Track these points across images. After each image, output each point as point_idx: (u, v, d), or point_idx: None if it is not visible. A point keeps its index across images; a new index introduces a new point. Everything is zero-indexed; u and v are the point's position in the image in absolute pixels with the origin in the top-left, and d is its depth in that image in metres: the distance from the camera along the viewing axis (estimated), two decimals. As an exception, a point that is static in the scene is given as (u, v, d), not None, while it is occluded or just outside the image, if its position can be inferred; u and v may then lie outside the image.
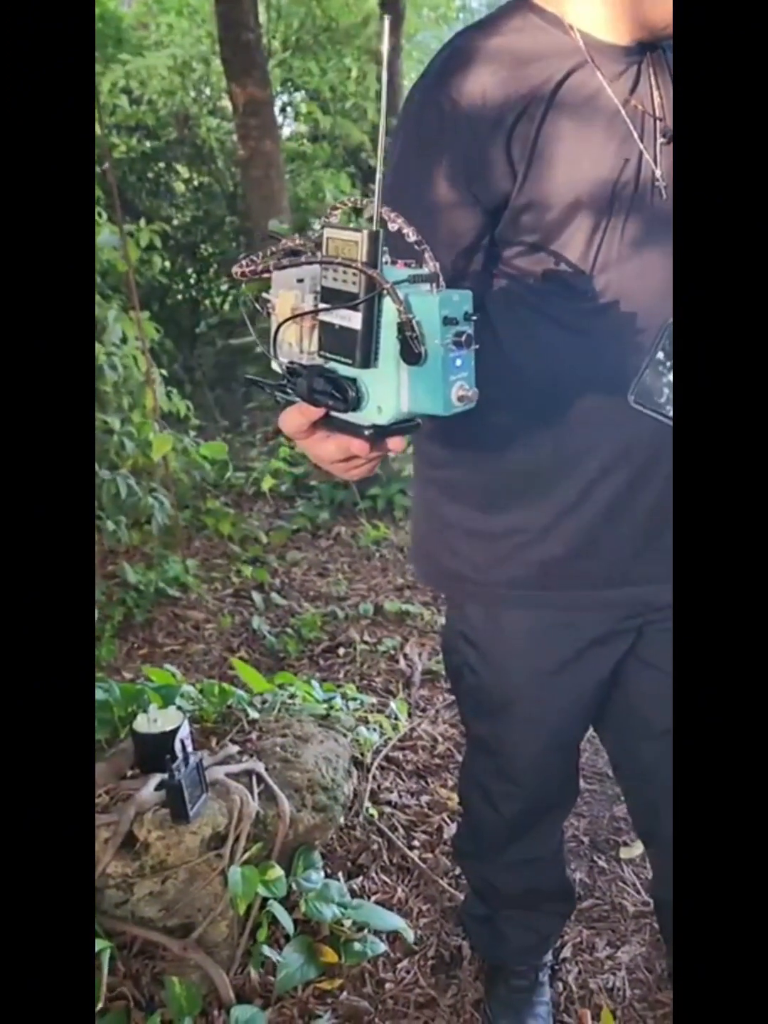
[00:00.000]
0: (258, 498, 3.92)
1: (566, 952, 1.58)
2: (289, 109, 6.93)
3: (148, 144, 5.96)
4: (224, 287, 6.13)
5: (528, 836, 1.36)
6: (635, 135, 0.93)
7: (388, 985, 1.52)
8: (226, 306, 6.04)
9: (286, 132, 6.69)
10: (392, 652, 2.62)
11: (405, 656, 2.60)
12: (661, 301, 0.94)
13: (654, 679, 1.17)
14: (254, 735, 1.78)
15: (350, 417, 0.72)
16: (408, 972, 1.55)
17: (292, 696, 2.01)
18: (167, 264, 5.69)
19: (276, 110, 5.56)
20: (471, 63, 0.92)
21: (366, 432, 0.71)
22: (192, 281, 6.18)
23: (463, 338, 0.66)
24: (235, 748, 1.67)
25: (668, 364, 0.91)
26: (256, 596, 2.99)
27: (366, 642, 2.68)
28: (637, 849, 1.80)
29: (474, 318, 0.67)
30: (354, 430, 0.72)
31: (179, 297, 6.09)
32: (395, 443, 0.73)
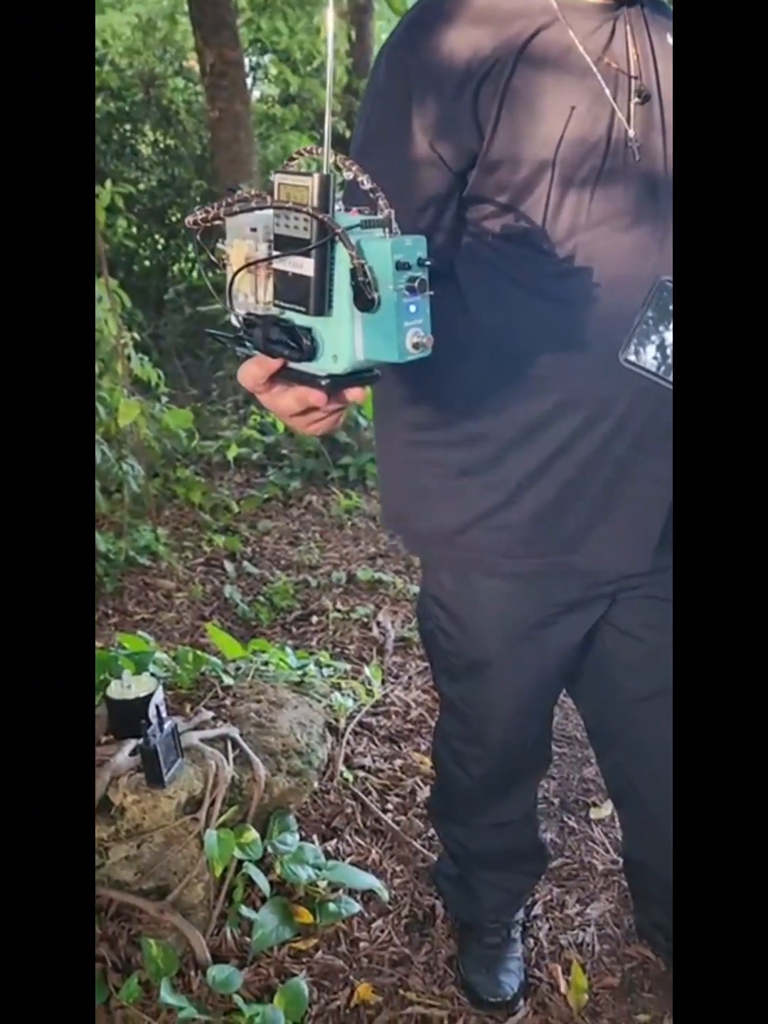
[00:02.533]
0: (229, 467, 3.90)
1: (537, 909, 1.61)
2: (258, 70, 6.80)
3: (112, 105, 5.82)
4: (192, 253, 6.03)
5: (500, 799, 1.38)
6: (608, 93, 0.92)
7: (363, 944, 1.54)
8: (194, 273, 5.95)
9: (255, 95, 6.57)
10: (365, 620, 2.63)
11: (378, 624, 2.61)
12: (635, 262, 0.94)
13: (628, 646, 1.18)
14: (228, 701, 1.78)
15: (307, 368, 0.71)
16: (382, 931, 1.57)
17: (266, 663, 2.01)
18: (134, 229, 5.59)
19: (245, 72, 5.45)
20: (438, 21, 0.91)
21: (323, 382, 0.70)
22: (160, 247, 6.08)
23: (416, 283, 0.66)
24: (210, 714, 1.68)
25: (659, 324, 0.91)
26: (228, 565, 2.98)
27: (339, 610, 2.69)
28: (606, 810, 1.83)
29: (428, 264, 0.67)
30: (311, 381, 0.71)
31: (147, 263, 5.99)
32: (354, 394, 0.72)
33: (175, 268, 6.11)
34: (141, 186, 5.77)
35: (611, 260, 0.94)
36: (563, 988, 1.46)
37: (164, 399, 3.19)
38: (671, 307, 0.94)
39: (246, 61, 6.07)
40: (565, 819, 1.83)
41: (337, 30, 6.10)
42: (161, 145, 6.10)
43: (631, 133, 0.92)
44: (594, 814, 1.84)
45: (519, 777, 1.37)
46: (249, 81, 6.24)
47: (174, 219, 6.08)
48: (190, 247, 6.01)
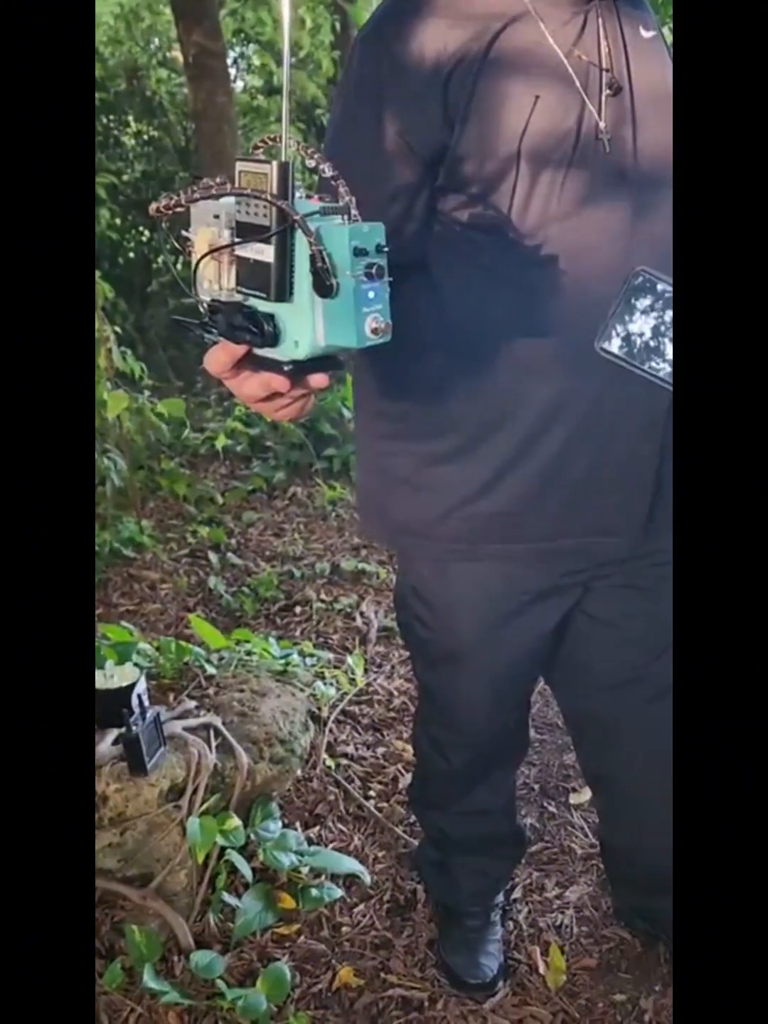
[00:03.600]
0: (213, 459, 3.90)
1: (517, 893, 1.64)
2: (242, 61, 6.78)
3: (96, 96, 5.79)
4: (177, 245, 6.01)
5: (479, 786, 1.39)
6: (578, 86, 0.93)
7: (345, 928, 1.56)
8: (179, 265, 5.93)
9: (239, 86, 6.55)
10: (348, 610, 2.65)
11: (361, 614, 2.62)
12: (608, 252, 0.95)
13: (601, 633, 1.20)
14: (211, 690, 1.80)
15: (271, 353, 0.72)
16: (364, 916, 1.59)
17: (249, 653, 2.02)
18: (118, 220, 5.56)
19: (228, 63, 5.42)
20: (411, 14, 0.92)
21: (286, 368, 0.72)
22: (144, 239, 6.05)
23: (374, 269, 0.67)
24: (193, 703, 1.69)
25: (635, 312, 0.92)
26: (212, 556, 2.98)
27: (323, 600, 2.70)
28: (585, 795, 1.86)
29: (386, 250, 0.68)
30: (275, 367, 0.72)
31: (131, 255, 5.97)
32: (317, 380, 0.73)
33: (159, 260, 6.09)
34: (125, 177, 5.75)
35: (583, 250, 0.95)
36: (542, 969, 1.49)
37: (147, 392, 3.19)
38: (647, 298, 0.95)
39: (230, 52, 6.05)
40: (545, 804, 1.86)
41: (323, 23, 6.07)
42: (145, 136, 6.07)
43: (602, 125, 0.93)
44: (573, 799, 1.86)
45: (497, 764, 1.39)
46: (233, 72, 6.21)
47: (159, 211, 6.05)
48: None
